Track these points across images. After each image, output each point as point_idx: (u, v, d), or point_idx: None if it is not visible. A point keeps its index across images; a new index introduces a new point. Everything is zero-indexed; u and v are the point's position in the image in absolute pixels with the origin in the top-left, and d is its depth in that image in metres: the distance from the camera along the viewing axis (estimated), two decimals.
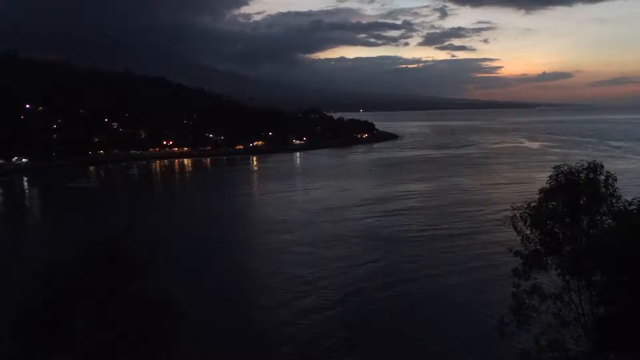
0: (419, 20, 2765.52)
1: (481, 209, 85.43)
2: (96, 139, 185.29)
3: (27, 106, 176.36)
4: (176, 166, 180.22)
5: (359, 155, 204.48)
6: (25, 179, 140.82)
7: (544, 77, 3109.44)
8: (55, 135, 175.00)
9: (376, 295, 47.31)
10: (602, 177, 17.73)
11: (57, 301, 15.51)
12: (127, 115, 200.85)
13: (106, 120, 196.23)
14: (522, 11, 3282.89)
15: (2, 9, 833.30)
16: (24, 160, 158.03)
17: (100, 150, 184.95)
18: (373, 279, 51.76)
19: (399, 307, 44.74)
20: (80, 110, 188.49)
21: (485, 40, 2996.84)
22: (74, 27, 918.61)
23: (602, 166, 17.94)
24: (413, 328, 40.43)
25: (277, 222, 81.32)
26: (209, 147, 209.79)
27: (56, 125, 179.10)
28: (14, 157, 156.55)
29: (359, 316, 43.00)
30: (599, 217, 17.78)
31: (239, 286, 51.55)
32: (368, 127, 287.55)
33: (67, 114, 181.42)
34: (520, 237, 18.17)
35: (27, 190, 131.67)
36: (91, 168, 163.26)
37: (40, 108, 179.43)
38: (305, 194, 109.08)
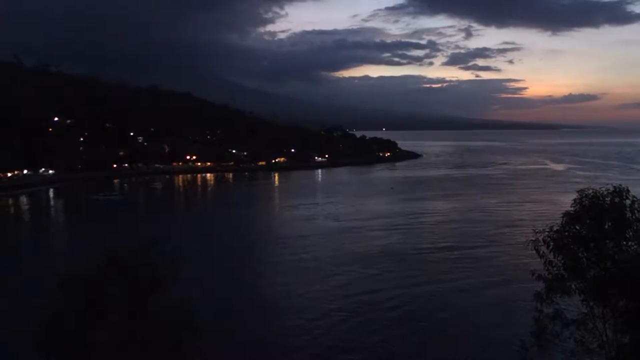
0: (443, 40, 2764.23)
1: (503, 231, 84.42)
2: (121, 153, 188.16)
3: (55, 119, 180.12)
4: (199, 181, 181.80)
5: (380, 174, 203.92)
6: (52, 190, 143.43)
7: (569, 98, 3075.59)
8: (81, 148, 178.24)
9: (385, 313, 46.99)
10: (628, 202, 17.44)
11: (79, 311, 15.72)
12: (152, 129, 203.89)
13: (132, 134, 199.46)
14: (548, 32, 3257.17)
15: (34, 24, 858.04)
16: (50, 172, 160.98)
17: (125, 163, 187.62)
18: (388, 300, 51.33)
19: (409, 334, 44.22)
20: (107, 124, 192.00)
21: (511, 61, 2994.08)
22: (103, 43, 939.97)
23: (628, 191, 17.64)
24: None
25: (296, 238, 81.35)
26: (232, 163, 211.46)
27: (82, 138, 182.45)
28: (41, 168, 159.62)
29: (374, 336, 42.69)
30: (624, 242, 17.45)
31: (258, 300, 51.51)
32: (390, 145, 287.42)
33: (94, 128, 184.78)
34: (542, 261, 17.91)
35: (53, 202, 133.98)
36: (115, 181, 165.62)
37: (68, 121, 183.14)
38: (325, 210, 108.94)
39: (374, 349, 40.19)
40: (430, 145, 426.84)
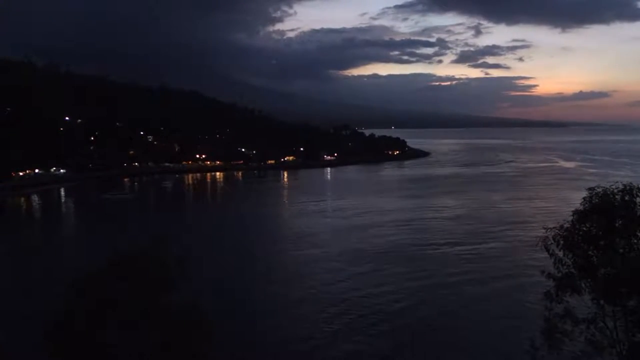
0: (453, 38, 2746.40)
1: (510, 228, 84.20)
2: (131, 152, 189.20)
3: (66, 118, 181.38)
4: (208, 179, 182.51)
5: (389, 172, 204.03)
6: (63, 189, 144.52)
7: (580, 96, 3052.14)
8: (92, 147, 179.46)
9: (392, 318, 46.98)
10: (639, 200, 17.33)
11: (88, 312, 15.82)
12: (162, 128, 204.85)
13: (142, 133, 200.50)
14: (558, 29, 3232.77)
15: (44, 24, 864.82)
16: (61, 170, 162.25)
17: (135, 162, 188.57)
18: (390, 294, 51.42)
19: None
20: (117, 124, 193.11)
21: (521, 59, 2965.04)
22: (111, 43, 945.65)
23: (638, 188, 17.53)
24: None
25: (305, 235, 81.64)
26: (241, 161, 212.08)
27: (93, 138, 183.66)
28: (52, 167, 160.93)
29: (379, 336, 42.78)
30: (635, 241, 17.35)
31: (267, 300, 51.68)
32: (399, 144, 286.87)
33: (104, 127, 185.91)
34: (552, 260, 17.83)
35: (63, 201, 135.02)
36: (126, 180, 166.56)
37: (79, 120, 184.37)
38: (333, 209, 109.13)
39: (374, 343, 40.64)
40: (439, 144, 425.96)
